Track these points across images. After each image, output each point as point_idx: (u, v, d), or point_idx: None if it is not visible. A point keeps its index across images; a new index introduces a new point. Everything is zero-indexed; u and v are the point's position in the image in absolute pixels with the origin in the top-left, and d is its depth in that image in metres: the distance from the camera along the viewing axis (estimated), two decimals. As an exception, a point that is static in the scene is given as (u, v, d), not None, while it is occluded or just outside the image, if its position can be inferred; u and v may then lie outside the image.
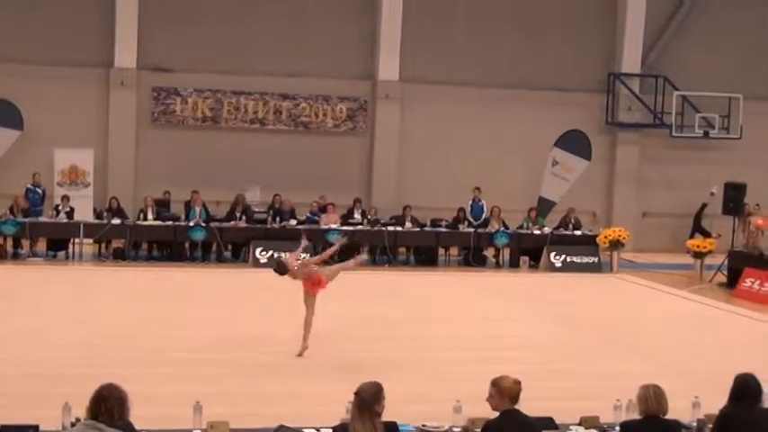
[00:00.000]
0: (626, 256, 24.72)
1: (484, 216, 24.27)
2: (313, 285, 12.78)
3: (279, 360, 12.29)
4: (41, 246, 22.60)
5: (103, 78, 25.35)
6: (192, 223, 22.33)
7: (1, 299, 16.23)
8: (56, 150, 24.11)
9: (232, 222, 22.63)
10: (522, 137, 26.95)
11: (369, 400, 6.24)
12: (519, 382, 6.61)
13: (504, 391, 6.57)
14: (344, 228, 22.90)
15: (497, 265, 24.02)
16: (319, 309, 15.74)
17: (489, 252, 24.26)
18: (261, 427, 7.92)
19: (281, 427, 7.73)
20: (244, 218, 22.82)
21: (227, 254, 23.19)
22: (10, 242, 22.33)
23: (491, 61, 27.24)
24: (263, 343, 13.27)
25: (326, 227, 22.83)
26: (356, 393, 6.28)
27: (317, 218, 23.45)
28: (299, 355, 12.45)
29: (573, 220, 24.50)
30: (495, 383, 6.62)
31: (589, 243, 23.77)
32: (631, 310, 18.11)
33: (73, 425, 7.03)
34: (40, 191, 23.39)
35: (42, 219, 22.33)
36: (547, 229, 24.07)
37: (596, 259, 23.51)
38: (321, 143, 26.48)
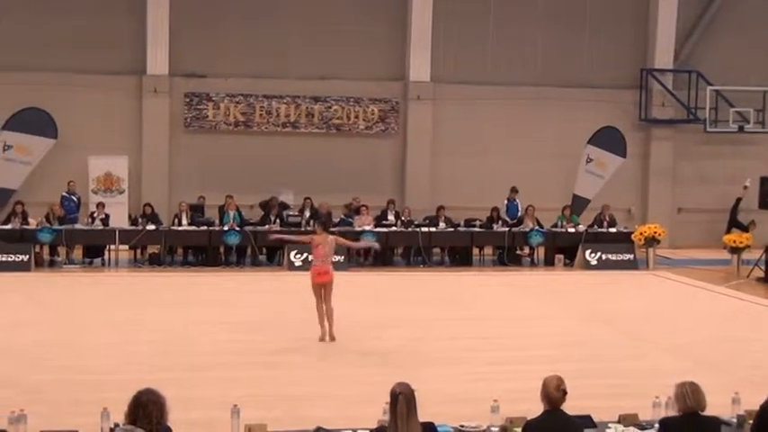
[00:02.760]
0: (662, 252, 24.56)
1: (519, 215, 24.20)
2: (318, 274, 13.64)
3: (315, 363, 12.30)
4: (78, 253, 22.78)
5: (136, 85, 25.49)
6: (226, 228, 22.41)
7: (38, 306, 16.36)
8: (90, 158, 24.32)
9: (267, 226, 22.68)
10: (556, 135, 26.88)
11: (409, 399, 6.24)
12: (563, 391, 6.59)
13: (546, 395, 6.58)
14: (378, 229, 22.92)
15: (532, 264, 23.96)
16: (355, 310, 15.80)
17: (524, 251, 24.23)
18: (299, 429, 7.95)
19: (319, 429, 7.76)
20: (278, 221, 22.85)
21: (262, 258, 23.25)
22: (46, 250, 22.51)
23: (523, 59, 27.17)
24: (299, 346, 13.29)
25: (360, 228, 22.85)
26: (396, 393, 6.27)
27: (350, 220, 23.47)
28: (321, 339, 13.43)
29: (608, 218, 24.37)
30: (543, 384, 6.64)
31: (624, 240, 23.63)
32: (668, 306, 17.98)
33: (112, 430, 7.08)
34: (75, 198, 23.55)
35: (78, 226, 22.45)
36: (581, 227, 23.97)
37: (632, 256, 23.37)
38: (353, 145, 26.50)
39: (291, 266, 21.67)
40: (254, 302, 17.47)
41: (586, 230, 23.80)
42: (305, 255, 21.85)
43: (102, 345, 13.18)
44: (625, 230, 24.08)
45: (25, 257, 21.01)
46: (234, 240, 22.34)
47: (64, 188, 23.45)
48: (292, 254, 21.94)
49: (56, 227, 21.89)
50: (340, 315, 13.88)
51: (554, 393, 6.55)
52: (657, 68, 27.57)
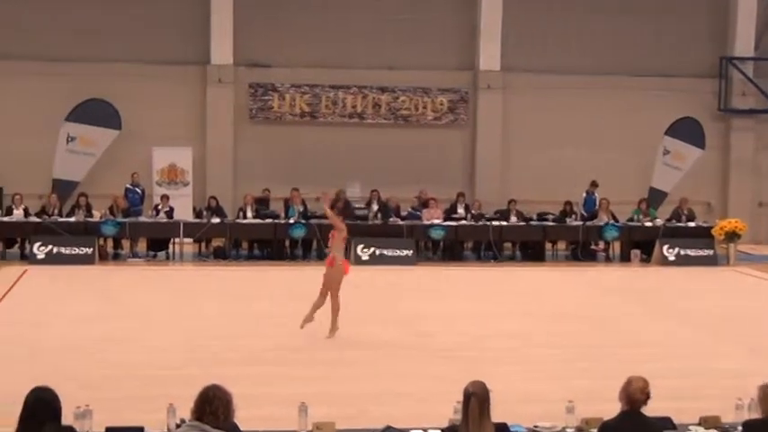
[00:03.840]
0: (742, 248, 24.21)
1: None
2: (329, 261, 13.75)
3: (382, 359, 12.30)
4: (141, 246, 23.01)
5: (200, 75, 25.69)
6: (291, 221, 22.50)
7: (103, 301, 16.55)
8: (154, 149, 24.58)
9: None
10: (631, 125, 26.59)
11: (483, 399, 6.21)
12: (647, 394, 6.51)
13: (627, 395, 6.51)
14: (447, 223, 22.88)
15: (607, 260, 23.76)
16: (422, 306, 15.79)
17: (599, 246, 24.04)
18: (367, 427, 7.95)
19: (388, 428, 7.74)
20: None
21: (329, 251, 23.21)
22: (110, 243, 22.79)
23: (596, 47, 26.89)
24: (366, 342, 13.31)
25: (429, 222, 22.82)
26: (469, 393, 6.24)
27: (418, 213, 23.44)
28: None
29: (686, 212, 24.08)
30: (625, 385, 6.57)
31: (704, 235, 23.32)
32: (750, 304, 17.71)
33: (178, 426, 7.12)
34: (139, 190, 23.81)
35: (142, 219, 22.70)
36: (659, 221, 23.69)
37: (711, 252, 23.07)
38: (421, 136, 26.46)
39: (358, 260, 21.70)
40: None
41: (664, 225, 23.53)
42: (372, 249, 21.93)
43: (167, 339, 13.30)
44: (704, 225, 23.75)
45: (89, 250, 21.29)
46: (299, 233, 22.44)
47: (128, 180, 23.72)
48: (359, 247, 21.97)
49: (120, 219, 22.14)
50: (407, 310, 13.87)
51: (637, 395, 6.46)
52: (737, 56, 27.17)
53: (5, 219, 22.05)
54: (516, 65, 26.54)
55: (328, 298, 13.54)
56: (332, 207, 14.50)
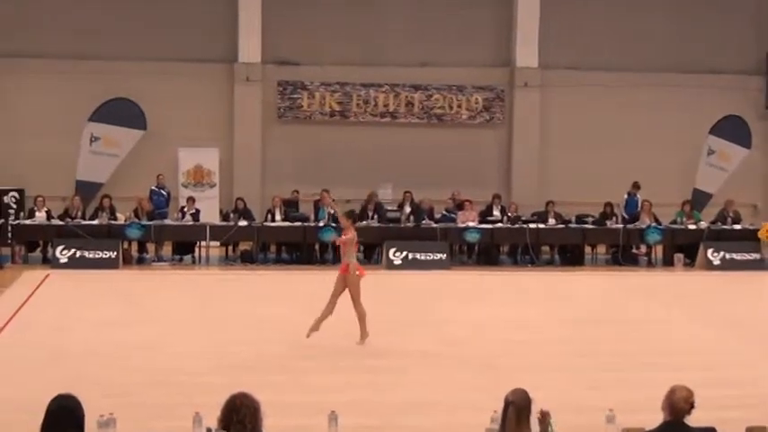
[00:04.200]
0: (791, 252, 24.06)
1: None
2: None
3: (415, 367, 12.28)
4: (167, 250, 23.11)
5: (228, 74, 25.78)
6: (321, 224, 22.53)
7: (127, 305, 16.63)
8: (180, 150, 24.68)
9: (364, 222, 22.72)
10: (674, 124, 26.45)
11: (524, 408, 6.20)
12: (691, 404, 6.49)
13: (670, 405, 6.48)
14: (483, 226, 22.84)
15: (649, 264, 23.65)
16: (457, 311, 15.78)
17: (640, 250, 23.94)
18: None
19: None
20: (376, 217, 22.90)
21: (360, 255, 23.25)
22: (135, 246, 22.89)
23: (637, 43, 26.76)
24: (398, 350, 13.29)
25: (463, 225, 22.79)
26: (508, 402, 6.23)
27: (453, 215, 23.42)
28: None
29: (732, 214, 23.93)
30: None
31: (750, 238, 23.16)
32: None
33: (204, 436, 7.15)
34: (164, 192, 23.93)
35: (167, 221, 22.79)
36: (703, 224, 23.56)
37: (758, 256, 22.92)
38: (456, 136, 26.44)
39: (390, 265, 21.71)
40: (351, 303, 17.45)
41: (708, 227, 23.39)
42: (404, 252, 21.93)
43: (193, 346, 13.34)
44: (751, 228, 23.58)
45: (113, 254, 21.41)
46: (329, 237, 22.45)
47: (152, 182, 23.84)
48: (391, 251, 21.98)
49: (144, 222, 22.25)
50: (439, 316, 13.85)
51: (681, 405, 6.43)
52: (786, 52, 27.04)
53: (28, 221, 22.18)
54: (554, 62, 26.47)
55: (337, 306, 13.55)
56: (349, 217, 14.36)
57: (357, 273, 13.55)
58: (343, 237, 13.93)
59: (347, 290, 13.61)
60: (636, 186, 24.33)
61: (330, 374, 11.78)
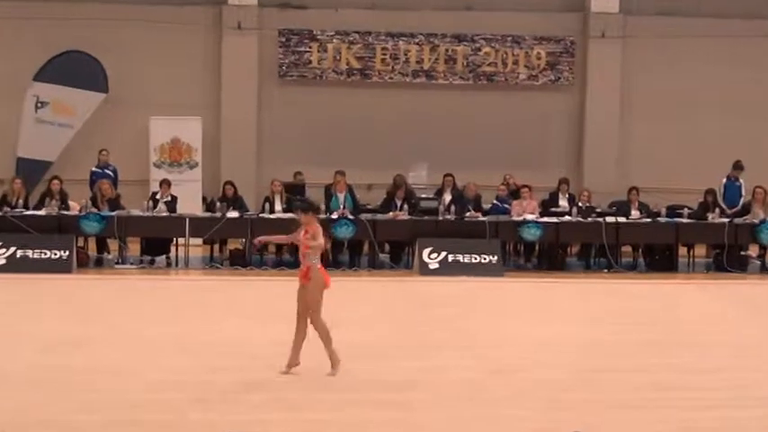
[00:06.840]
0: None
1: (742, 201, 23.87)
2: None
3: (448, 400, 12.30)
4: (134, 249, 23.18)
5: (214, 19, 25.89)
6: (334, 215, 22.58)
7: (82, 320, 16.69)
8: (152, 119, 24.77)
9: (390, 214, 22.75)
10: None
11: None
12: None
13: None
14: (545, 219, 22.85)
15: (763, 270, 23.62)
16: (509, 330, 15.83)
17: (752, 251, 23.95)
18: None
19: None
20: (406, 207, 22.91)
21: (385, 257, 23.34)
22: (93, 244, 22.97)
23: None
24: (428, 379, 13.29)
25: (520, 218, 22.78)
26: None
27: (506, 206, 23.43)
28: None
29: None
30: None
31: None
32: None
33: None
34: (110, 173, 23.82)
35: (135, 212, 22.81)
36: (834, 218, 23.59)
37: None
38: (511, 102, 26.51)
39: (424, 269, 21.73)
40: (371, 318, 17.51)
41: (842, 222, 23.41)
42: (443, 253, 21.95)
43: (167, 374, 13.40)
44: None
45: (65, 254, 21.58)
46: (346, 233, 22.50)
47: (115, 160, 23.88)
48: (425, 252, 22.00)
49: (105, 213, 22.33)
50: (489, 335, 13.85)
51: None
52: None
53: (-47, 211, 22.36)
54: (641, 5, 26.49)
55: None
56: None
57: (319, 275, 13.32)
58: (306, 235, 13.70)
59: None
60: (737, 167, 24.25)
61: (346, 408, 11.78)
